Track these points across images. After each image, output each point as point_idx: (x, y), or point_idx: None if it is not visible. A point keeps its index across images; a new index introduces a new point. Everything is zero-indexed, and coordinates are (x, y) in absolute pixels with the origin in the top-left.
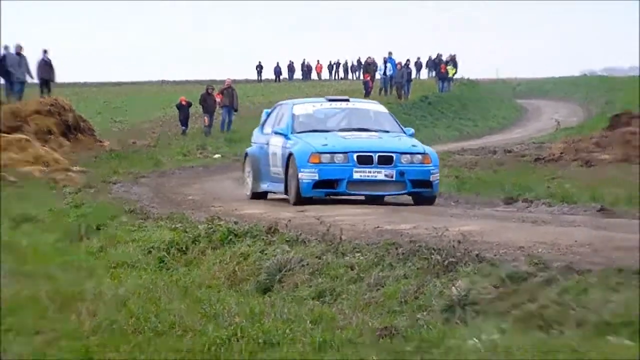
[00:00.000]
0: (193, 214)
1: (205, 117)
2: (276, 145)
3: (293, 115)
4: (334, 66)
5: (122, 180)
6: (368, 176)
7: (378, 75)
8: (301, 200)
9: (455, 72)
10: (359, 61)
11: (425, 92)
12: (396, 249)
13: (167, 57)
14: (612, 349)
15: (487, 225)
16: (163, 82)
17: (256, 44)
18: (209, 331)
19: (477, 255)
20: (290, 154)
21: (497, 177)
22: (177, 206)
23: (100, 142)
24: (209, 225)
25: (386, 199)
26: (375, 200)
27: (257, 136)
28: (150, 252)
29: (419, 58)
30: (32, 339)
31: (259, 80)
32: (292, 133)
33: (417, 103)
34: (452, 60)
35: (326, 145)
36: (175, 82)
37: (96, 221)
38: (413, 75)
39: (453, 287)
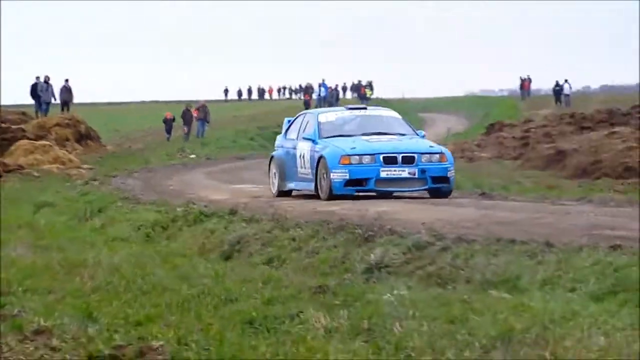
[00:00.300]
0: (173, 199)
1: (185, 127)
2: (304, 149)
3: (319, 123)
4: (282, 89)
5: (120, 174)
6: (394, 174)
7: (314, 96)
8: (333, 197)
9: (372, 94)
10: (300, 85)
11: None
12: (328, 225)
13: (156, 82)
14: (493, 300)
15: (397, 206)
16: (154, 101)
17: (223, 73)
18: (183, 290)
19: (389, 229)
20: (321, 157)
21: None
22: (161, 194)
23: (104, 146)
24: (185, 208)
25: (395, 193)
26: (386, 195)
27: (281, 142)
28: (139, 229)
29: (344, 83)
30: (46, 297)
31: (225, 101)
32: (319, 138)
33: None
34: (369, 85)
35: (354, 148)
36: (162, 102)
37: (99, 205)
38: (340, 96)
39: (371, 254)
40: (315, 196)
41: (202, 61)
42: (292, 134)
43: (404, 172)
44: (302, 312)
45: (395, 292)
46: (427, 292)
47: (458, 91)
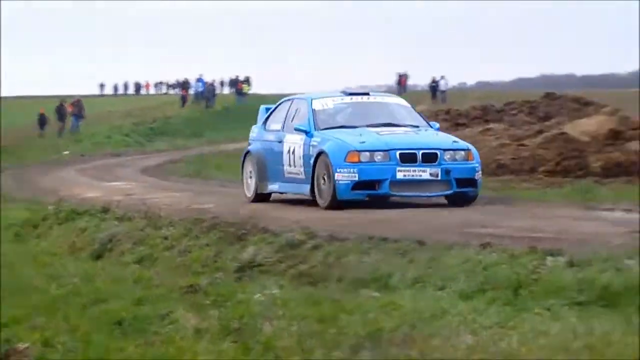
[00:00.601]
0: (45, 197)
1: (59, 123)
2: (294, 143)
3: (313, 111)
4: (159, 84)
5: None
6: (412, 175)
7: (192, 91)
8: (337, 203)
9: (250, 89)
10: (177, 80)
11: (226, 103)
12: (201, 223)
13: (31, 77)
14: (363, 299)
15: (271, 204)
16: (28, 97)
17: (98, 67)
18: (51, 290)
19: (263, 227)
20: (321, 153)
21: None
22: (33, 192)
23: None
24: (56, 206)
25: (392, 199)
26: (379, 203)
27: (260, 134)
28: (8, 227)
29: (222, 78)
30: None
31: (101, 95)
32: (315, 130)
33: (220, 112)
34: (247, 80)
35: (364, 142)
36: (36, 97)
37: None
38: (217, 91)
39: (244, 253)
40: (309, 202)
41: (77, 55)
42: (275, 125)
43: (425, 173)
44: (172, 312)
45: (266, 291)
46: (298, 291)
47: (336, 86)
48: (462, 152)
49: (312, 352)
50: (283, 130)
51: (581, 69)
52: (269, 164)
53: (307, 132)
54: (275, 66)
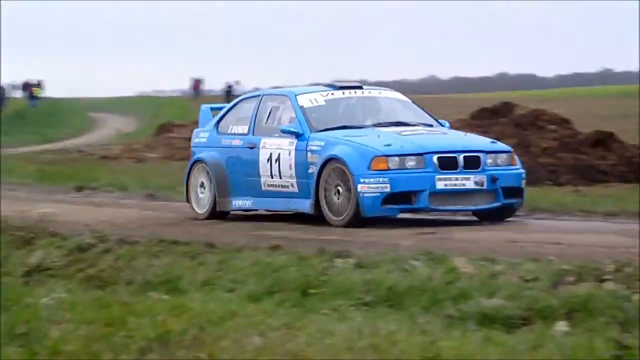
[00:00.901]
0: None
1: None
2: (279, 148)
3: (302, 108)
4: None
5: None
6: (455, 185)
7: None
8: (361, 221)
9: (42, 92)
10: None
11: (18, 107)
12: None
13: None
14: (152, 302)
15: (61, 207)
16: None
17: None
18: None
19: (52, 231)
20: (331, 159)
21: (71, 170)
22: None
23: None
24: None
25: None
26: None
27: (214, 138)
28: None
29: (14, 82)
30: None
31: None
32: (311, 132)
33: (12, 116)
34: (39, 84)
35: (389, 145)
36: None
37: None
38: (8, 95)
39: (32, 257)
40: (301, 218)
41: None
42: (237, 127)
43: (469, 182)
44: None
45: (54, 295)
46: (87, 294)
47: (130, 91)
48: (505, 155)
49: (100, 356)
50: (253, 134)
51: (374, 76)
52: (233, 175)
53: (299, 135)
54: (70, 69)
